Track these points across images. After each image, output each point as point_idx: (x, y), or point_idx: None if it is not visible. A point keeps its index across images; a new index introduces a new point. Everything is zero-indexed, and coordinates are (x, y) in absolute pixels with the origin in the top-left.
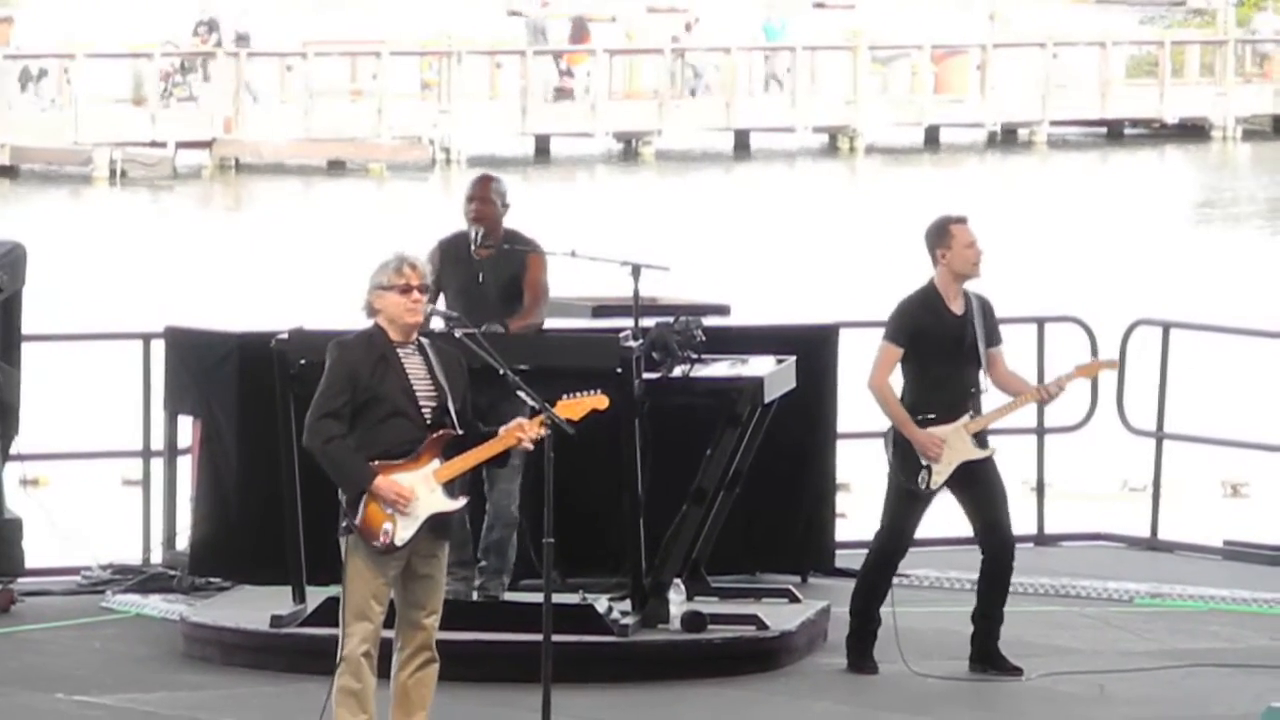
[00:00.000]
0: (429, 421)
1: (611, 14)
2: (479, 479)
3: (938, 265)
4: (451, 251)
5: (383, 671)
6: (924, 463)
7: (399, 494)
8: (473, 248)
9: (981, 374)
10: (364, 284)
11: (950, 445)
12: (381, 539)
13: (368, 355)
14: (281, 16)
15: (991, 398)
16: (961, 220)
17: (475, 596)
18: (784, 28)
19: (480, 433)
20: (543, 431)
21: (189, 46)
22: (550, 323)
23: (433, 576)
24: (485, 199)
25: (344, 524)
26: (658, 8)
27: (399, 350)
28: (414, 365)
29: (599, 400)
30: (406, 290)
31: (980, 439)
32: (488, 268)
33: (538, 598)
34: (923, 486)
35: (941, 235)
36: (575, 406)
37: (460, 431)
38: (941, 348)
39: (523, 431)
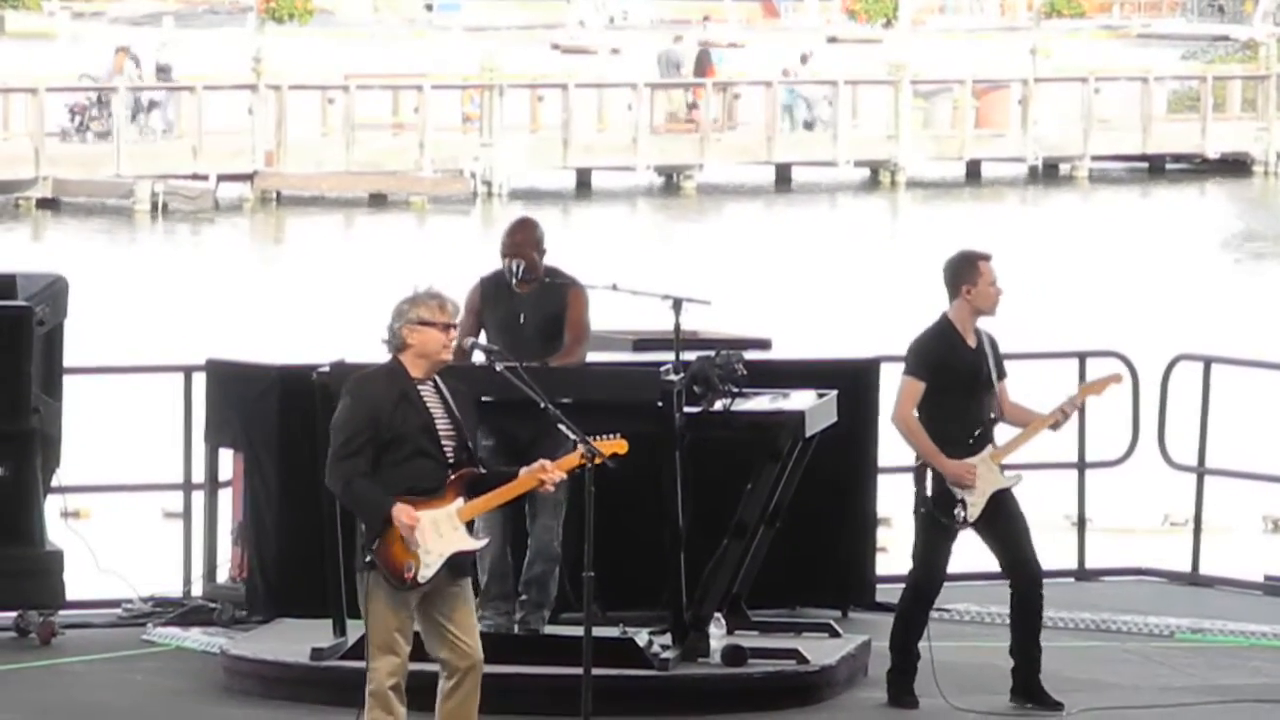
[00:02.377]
0: (451, 460)
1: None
2: (520, 513)
3: (958, 299)
4: (492, 289)
5: (421, 705)
6: (959, 495)
7: (410, 521)
8: (513, 282)
9: (994, 406)
10: (390, 316)
11: (981, 475)
12: (405, 575)
13: (389, 392)
14: (323, 52)
15: (1000, 430)
16: (987, 257)
17: (516, 630)
18: (720, 61)
19: (499, 473)
20: (562, 475)
21: (107, 79)
22: (591, 356)
23: (461, 604)
24: (526, 241)
25: (367, 559)
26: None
27: (419, 387)
28: (433, 402)
29: (619, 444)
30: (447, 329)
31: (1002, 469)
32: (528, 305)
33: (578, 631)
34: (960, 519)
35: (969, 271)
36: (599, 449)
37: (483, 470)
38: (961, 380)
39: (544, 473)
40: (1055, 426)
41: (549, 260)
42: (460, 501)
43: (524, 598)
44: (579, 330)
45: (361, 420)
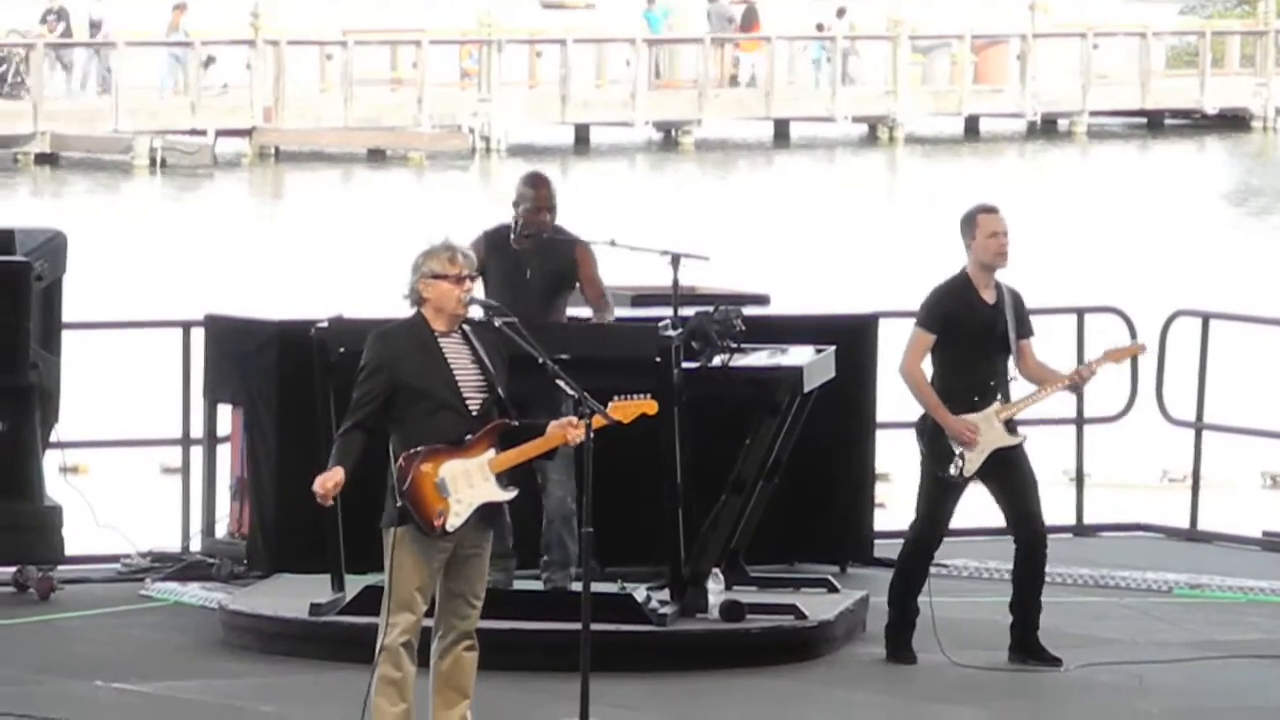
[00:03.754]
0: (475, 412)
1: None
2: (530, 472)
3: (968, 254)
4: (496, 242)
5: (421, 660)
6: (956, 450)
7: (323, 498)
8: (512, 238)
9: (1011, 363)
10: (408, 270)
11: (982, 432)
12: (436, 521)
13: (408, 345)
14: (321, 7)
15: (1020, 388)
16: (990, 210)
17: (544, 588)
18: (665, 16)
19: (530, 425)
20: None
21: (37, 35)
22: (588, 312)
23: (478, 564)
24: (547, 207)
25: (398, 504)
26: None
27: (441, 340)
28: (458, 354)
29: (649, 405)
30: (460, 280)
31: (1010, 427)
32: (532, 260)
33: (576, 587)
34: (955, 474)
35: (969, 224)
36: (625, 409)
37: (516, 422)
38: (972, 335)
39: (572, 428)
40: (1074, 389)
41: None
42: (492, 452)
43: (546, 558)
44: (599, 286)
45: (375, 373)
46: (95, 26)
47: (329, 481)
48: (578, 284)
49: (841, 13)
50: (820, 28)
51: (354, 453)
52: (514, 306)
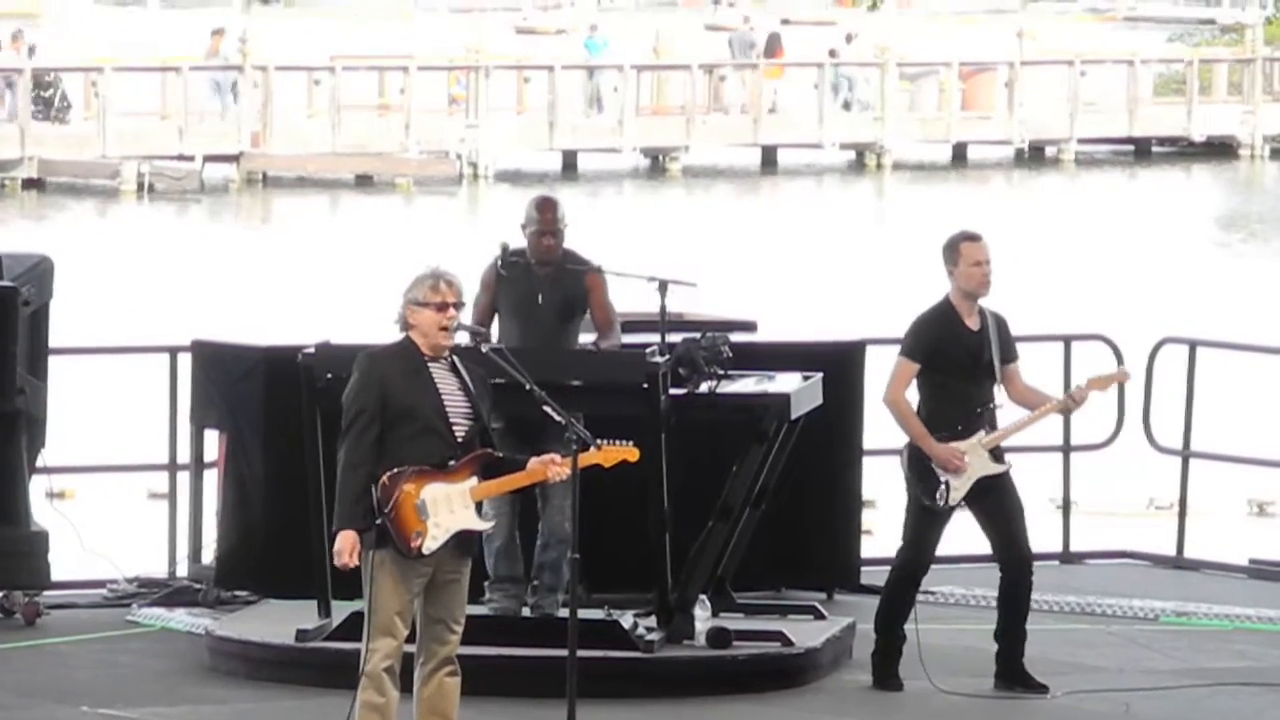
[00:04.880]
0: (461, 439)
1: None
2: (531, 497)
3: (951, 281)
4: (511, 269)
5: (405, 686)
6: (942, 478)
7: (347, 560)
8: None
9: (997, 390)
10: (398, 296)
11: (968, 460)
12: (413, 543)
13: (399, 367)
14: (309, 33)
15: (1006, 414)
16: (973, 238)
17: (529, 614)
18: (605, 45)
19: (511, 459)
20: (566, 473)
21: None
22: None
23: (457, 590)
24: (554, 230)
25: (377, 521)
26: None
27: (431, 365)
28: (446, 381)
29: (630, 453)
30: (442, 308)
31: (996, 454)
32: (545, 286)
33: (563, 613)
34: (941, 502)
35: (952, 251)
36: (608, 454)
37: (500, 454)
38: (957, 363)
39: (554, 466)
40: (1066, 413)
41: (566, 243)
42: (474, 480)
43: (536, 582)
44: (608, 312)
45: (366, 395)
46: (30, 51)
47: (345, 553)
48: (590, 310)
49: (850, 38)
50: (833, 54)
51: (363, 504)
52: (527, 333)
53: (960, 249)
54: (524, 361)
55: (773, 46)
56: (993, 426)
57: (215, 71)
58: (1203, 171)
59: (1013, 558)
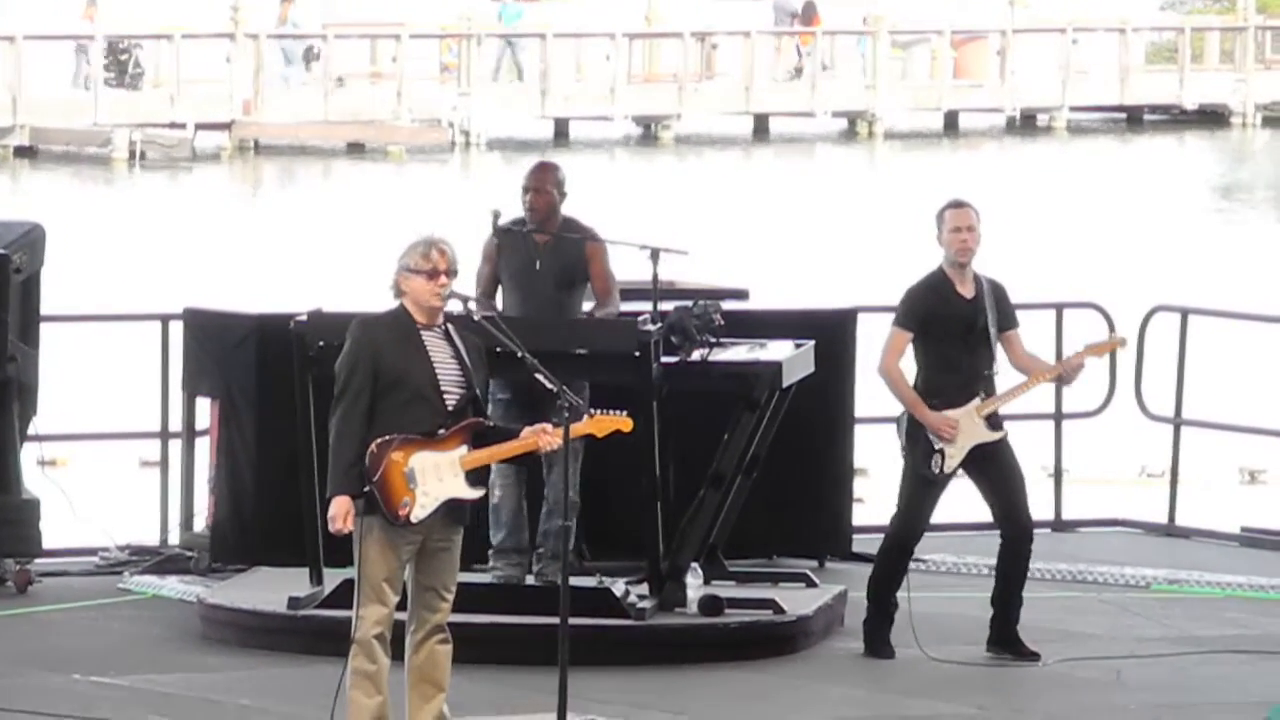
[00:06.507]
0: (452, 408)
1: None
2: (537, 465)
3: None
4: (509, 237)
5: (397, 654)
6: (937, 446)
7: (341, 525)
8: (526, 224)
9: (993, 357)
10: (392, 264)
11: (962, 428)
12: (400, 511)
13: (391, 335)
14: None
15: (1006, 380)
16: (958, 205)
17: (534, 581)
18: (519, 15)
19: (502, 429)
20: (558, 442)
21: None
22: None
23: (448, 558)
24: (542, 189)
25: (365, 489)
26: None
27: (423, 333)
28: (439, 349)
29: (624, 423)
30: (433, 275)
31: (993, 421)
32: (545, 254)
33: (555, 580)
34: (936, 471)
35: (938, 219)
36: (601, 423)
37: (491, 422)
38: (951, 331)
39: (545, 436)
40: (1064, 382)
41: (567, 209)
42: (464, 449)
43: (541, 549)
44: (607, 281)
45: (358, 363)
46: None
47: (340, 519)
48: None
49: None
50: (865, 21)
51: (356, 470)
52: (526, 301)
53: (944, 215)
54: (516, 330)
55: (809, 14)
56: (990, 394)
57: (285, 40)
58: (1194, 140)
59: (1013, 526)
